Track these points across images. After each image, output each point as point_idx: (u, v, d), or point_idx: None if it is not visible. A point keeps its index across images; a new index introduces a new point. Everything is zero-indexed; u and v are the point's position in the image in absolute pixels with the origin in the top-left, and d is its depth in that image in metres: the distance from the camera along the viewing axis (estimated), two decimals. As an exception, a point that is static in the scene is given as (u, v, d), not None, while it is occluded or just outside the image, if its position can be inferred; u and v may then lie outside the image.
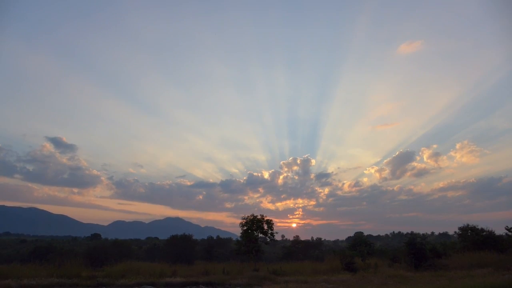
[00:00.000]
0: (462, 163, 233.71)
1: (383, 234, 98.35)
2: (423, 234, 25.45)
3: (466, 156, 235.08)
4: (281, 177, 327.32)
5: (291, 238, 59.85)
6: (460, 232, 26.31)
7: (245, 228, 24.20)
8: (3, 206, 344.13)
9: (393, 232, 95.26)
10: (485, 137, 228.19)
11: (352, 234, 66.36)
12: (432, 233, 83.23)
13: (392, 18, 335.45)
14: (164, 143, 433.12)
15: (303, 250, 39.04)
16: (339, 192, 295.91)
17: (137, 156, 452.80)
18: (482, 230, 24.64)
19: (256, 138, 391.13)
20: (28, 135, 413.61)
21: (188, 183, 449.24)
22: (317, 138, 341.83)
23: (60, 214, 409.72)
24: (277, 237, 26.21)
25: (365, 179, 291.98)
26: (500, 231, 25.39)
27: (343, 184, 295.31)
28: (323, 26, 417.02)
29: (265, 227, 24.35)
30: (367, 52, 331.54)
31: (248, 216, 24.60)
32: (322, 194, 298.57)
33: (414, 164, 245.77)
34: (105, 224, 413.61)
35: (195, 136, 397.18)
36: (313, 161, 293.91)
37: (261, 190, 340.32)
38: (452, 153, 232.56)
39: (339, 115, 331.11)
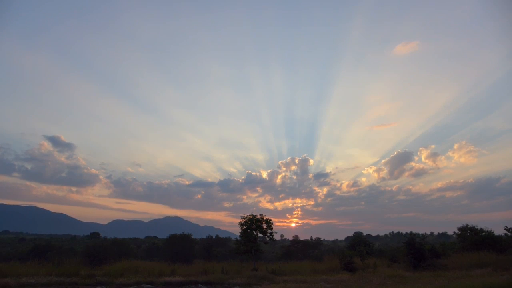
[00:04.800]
0: (460, 164, 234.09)
1: (382, 234, 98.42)
2: (422, 234, 25.36)
3: (464, 156, 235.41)
4: (279, 176, 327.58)
5: (290, 238, 59.93)
6: (459, 232, 26.33)
7: (244, 227, 24.19)
8: (2, 205, 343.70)
9: (392, 232, 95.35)
10: (483, 137, 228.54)
11: (351, 234, 66.56)
12: (432, 233, 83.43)
13: (388, 19, 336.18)
14: (162, 142, 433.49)
15: (302, 249, 39.06)
16: (337, 192, 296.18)
17: (135, 155, 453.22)
18: (481, 230, 24.67)
19: (254, 138, 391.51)
20: (26, 133, 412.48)
21: (187, 183, 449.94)
22: (315, 138, 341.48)
23: (59, 212, 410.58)
24: (276, 237, 26.23)
25: (363, 179, 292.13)
26: (499, 231, 25.48)
27: (342, 184, 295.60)
28: (319, 26, 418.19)
29: (264, 226, 24.35)
30: (364, 52, 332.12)
31: (247, 215, 24.61)
32: (320, 194, 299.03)
33: (412, 164, 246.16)
34: (104, 223, 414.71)
35: (193, 136, 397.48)
36: (311, 161, 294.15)
37: (259, 189, 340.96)
38: (450, 154, 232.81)
39: (337, 115, 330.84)
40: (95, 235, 75.27)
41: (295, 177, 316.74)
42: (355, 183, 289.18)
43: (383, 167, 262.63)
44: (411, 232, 25.96)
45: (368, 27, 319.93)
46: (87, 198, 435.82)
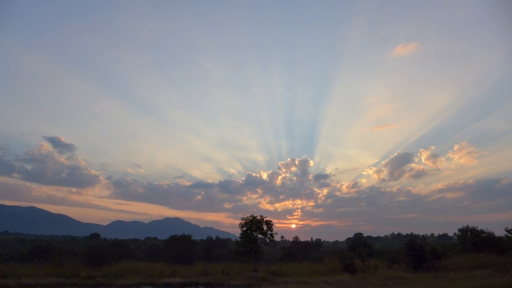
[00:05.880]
0: (460, 165, 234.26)
1: (383, 235, 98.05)
2: (422, 235, 25.32)
3: (464, 157, 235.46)
4: (279, 177, 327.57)
5: (291, 239, 59.83)
6: (459, 234, 26.24)
7: (244, 228, 24.17)
8: (2, 205, 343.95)
9: (393, 233, 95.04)
10: (483, 138, 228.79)
11: (351, 235, 66.24)
12: (432, 234, 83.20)
13: (388, 20, 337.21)
14: (162, 143, 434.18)
15: (303, 251, 38.97)
16: (337, 193, 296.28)
17: (135, 156, 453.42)
18: (482, 231, 24.57)
19: (254, 139, 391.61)
20: (26, 134, 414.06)
21: (187, 183, 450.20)
22: (314, 139, 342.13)
23: (59, 213, 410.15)
24: (277, 238, 26.19)
25: (363, 180, 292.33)
26: (499, 232, 25.38)
27: (342, 185, 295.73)
28: (319, 27, 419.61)
29: (265, 227, 24.32)
30: (363, 53, 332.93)
31: (247, 216, 24.59)
32: (320, 195, 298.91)
33: (412, 165, 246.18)
34: (104, 224, 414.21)
35: (193, 137, 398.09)
36: (311, 162, 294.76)
37: (259, 190, 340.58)
38: (450, 155, 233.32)
39: (337, 116, 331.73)
40: (95, 236, 75.22)
41: (295, 178, 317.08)
42: (355, 184, 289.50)
43: (383, 168, 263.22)
44: (411, 233, 25.96)
45: (368, 28, 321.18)
46: (87, 199, 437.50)
